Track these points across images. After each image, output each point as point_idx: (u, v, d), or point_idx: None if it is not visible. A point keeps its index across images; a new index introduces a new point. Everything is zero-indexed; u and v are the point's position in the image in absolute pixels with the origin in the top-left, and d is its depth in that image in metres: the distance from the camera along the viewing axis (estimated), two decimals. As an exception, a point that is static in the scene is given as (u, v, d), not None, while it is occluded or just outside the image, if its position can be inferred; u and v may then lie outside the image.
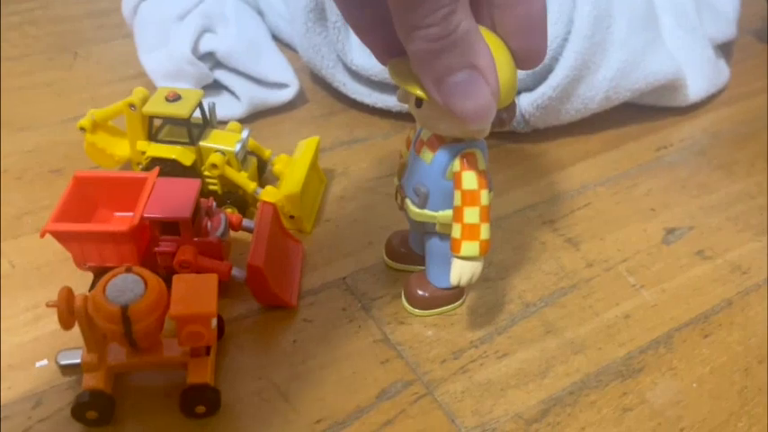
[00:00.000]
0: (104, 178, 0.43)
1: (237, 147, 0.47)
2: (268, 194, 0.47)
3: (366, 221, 0.50)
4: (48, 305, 0.33)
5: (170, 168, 0.46)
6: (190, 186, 0.41)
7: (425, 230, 0.40)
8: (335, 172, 0.55)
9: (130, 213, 0.41)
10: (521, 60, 0.33)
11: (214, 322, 0.34)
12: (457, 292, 0.43)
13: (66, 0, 0.79)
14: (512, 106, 0.36)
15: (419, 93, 0.33)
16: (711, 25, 0.68)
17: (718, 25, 0.69)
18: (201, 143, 0.48)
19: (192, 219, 0.40)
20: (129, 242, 0.39)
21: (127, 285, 0.33)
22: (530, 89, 0.57)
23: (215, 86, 0.61)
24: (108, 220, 0.43)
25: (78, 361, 0.35)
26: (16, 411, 0.36)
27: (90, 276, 0.42)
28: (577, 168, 0.58)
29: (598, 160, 0.59)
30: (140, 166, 0.48)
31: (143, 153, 0.48)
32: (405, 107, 0.61)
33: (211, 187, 0.48)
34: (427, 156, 0.37)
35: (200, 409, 0.36)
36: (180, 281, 0.35)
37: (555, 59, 0.56)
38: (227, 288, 0.43)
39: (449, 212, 0.38)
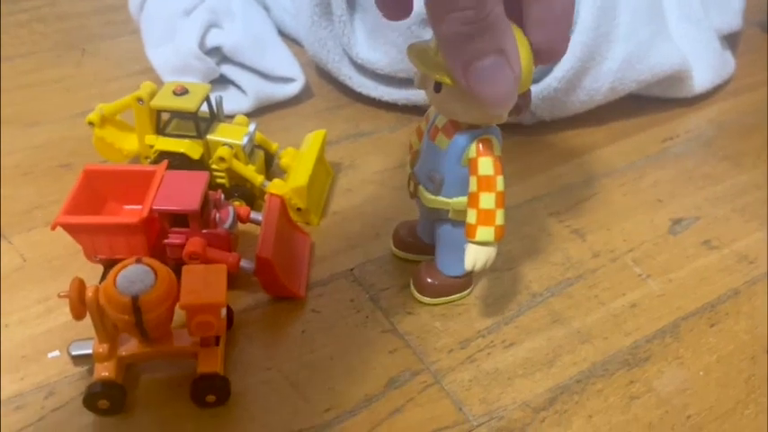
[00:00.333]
0: (113, 171, 0.43)
1: (245, 140, 0.48)
2: (275, 187, 0.47)
3: (373, 213, 0.51)
4: (60, 296, 0.33)
5: (178, 162, 0.47)
6: (198, 179, 0.41)
7: (438, 218, 0.41)
8: (342, 165, 0.56)
9: (139, 206, 0.41)
10: (543, 53, 0.33)
11: (223, 312, 0.35)
12: (465, 281, 0.43)
13: (72, -3, 0.80)
14: (528, 93, 0.36)
15: (439, 77, 0.33)
16: (717, 16, 0.68)
17: (723, 16, 0.69)
18: (209, 137, 0.48)
19: (201, 211, 0.40)
20: (138, 234, 0.39)
21: (137, 276, 0.34)
22: (536, 81, 0.57)
23: (222, 81, 0.62)
24: (117, 212, 0.44)
25: (90, 351, 0.36)
26: (30, 401, 0.37)
27: (100, 268, 0.42)
28: (584, 160, 0.58)
29: (604, 152, 0.59)
30: (149, 160, 0.49)
31: (151, 147, 0.48)
32: (411, 100, 0.61)
33: (219, 180, 0.49)
34: (443, 142, 0.38)
35: (211, 398, 0.36)
36: (189, 272, 0.35)
37: (560, 51, 0.56)
38: (235, 279, 0.43)
39: (463, 199, 0.38)
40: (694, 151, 0.59)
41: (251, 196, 0.49)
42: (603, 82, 0.58)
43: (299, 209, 0.48)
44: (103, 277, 0.42)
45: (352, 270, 0.46)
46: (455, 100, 0.35)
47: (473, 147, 0.37)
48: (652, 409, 0.38)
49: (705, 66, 0.65)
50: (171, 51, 0.59)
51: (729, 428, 0.37)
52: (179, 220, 0.40)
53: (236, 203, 0.48)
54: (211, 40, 0.60)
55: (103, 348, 0.35)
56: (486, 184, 0.36)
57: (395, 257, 0.47)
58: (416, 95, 0.61)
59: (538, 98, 0.57)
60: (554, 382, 0.39)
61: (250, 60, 0.61)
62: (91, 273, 0.42)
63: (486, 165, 0.36)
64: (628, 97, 0.61)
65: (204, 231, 0.41)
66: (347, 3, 0.60)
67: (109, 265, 0.41)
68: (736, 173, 0.56)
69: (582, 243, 0.49)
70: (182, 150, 0.47)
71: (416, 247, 0.45)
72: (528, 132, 0.60)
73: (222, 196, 0.43)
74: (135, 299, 0.33)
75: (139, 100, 0.47)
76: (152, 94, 0.48)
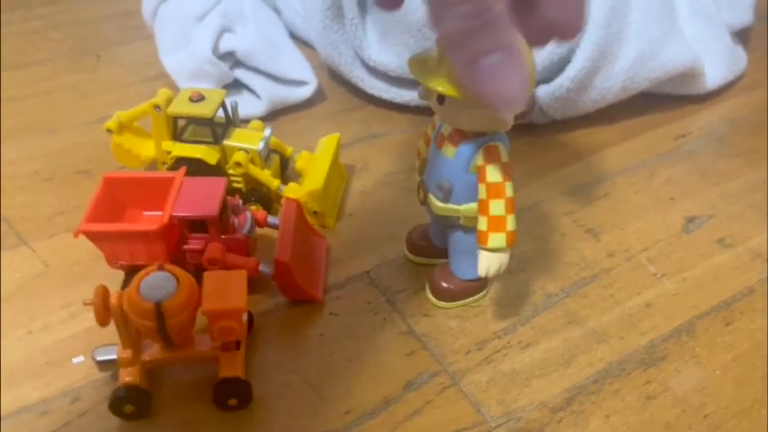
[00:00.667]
0: (133, 179, 0.44)
1: (261, 145, 0.48)
2: (291, 191, 0.48)
3: (387, 215, 0.51)
4: (85, 303, 0.34)
5: (195, 167, 0.47)
6: (216, 185, 0.42)
7: (449, 224, 0.41)
8: (356, 167, 0.56)
9: (159, 212, 0.42)
10: (560, 29, 0.31)
11: (245, 317, 0.35)
12: (480, 284, 0.43)
13: (86, 3, 0.80)
14: (531, 97, 0.36)
15: (441, 89, 0.33)
16: (728, 12, 0.68)
17: (734, 12, 0.68)
18: (225, 142, 0.49)
19: (220, 217, 0.41)
20: (159, 241, 0.40)
21: (159, 283, 0.34)
22: (547, 81, 0.57)
23: (235, 85, 0.62)
24: (137, 218, 0.45)
25: (114, 357, 0.37)
26: (55, 407, 0.37)
27: (121, 274, 0.43)
28: (596, 159, 0.58)
29: (616, 150, 0.59)
30: (166, 166, 0.50)
31: (168, 153, 0.49)
32: (423, 102, 0.61)
33: (236, 185, 0.49)
34: (449, 150, 0.38)
35: (233, 401, 0.37)
36: (210, 278, 0.36)
37: (572, 50, 0.56)
38: (254, 283, 0.44)
39: (473, 205, 0.38)
40: (707, 148, 0.59)
41: (267, 200, 0.49)
42: (615, 81, 0.58)
43: (315, 212, 0.48)
44: (125, 283, 0.42)
45: (368, 272, 0.46)
46: (459, 111, 0.35)
47: (480, 155, 0.37)
48: (669, 409, 0.38)
49: (717, 62, 0.65)
50: (185, 57, 0.60)
51: (747, 427, 0.37)
52: (198, 225, 0.41)
53: (253, 208, 0.48)
54: (225, 45, 0.61)
55: (127, 354, 0.36)
56: (494, 191, 0.37)
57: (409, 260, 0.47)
58: (428, 97, 0.61)
59: (550, 98, 0.57)
60: (571, 382, 0.39)
61: (263, 64, 0.61)
62: (113, 278, 0.42)
63: (493, 172, 0.37)
64: (639, 95, 0.61)
65: (223, 237, 0.42)
66: (359, 5, 0.60)
67: (130, 270, 0.42)
68: (749, 170, 0.56)
69: (596, 243, 0.49)
70: (198, 156, 0.48)
71: (430, 250, 0.46)
72: (539, 132, 0.60)
73: (240, 201, 0.44)
74: (158, 305, 0.34)
75: (156, 107, 0.48)
76: (168, 101, 0.48)
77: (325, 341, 0.41)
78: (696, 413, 0.38)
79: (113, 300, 0.34)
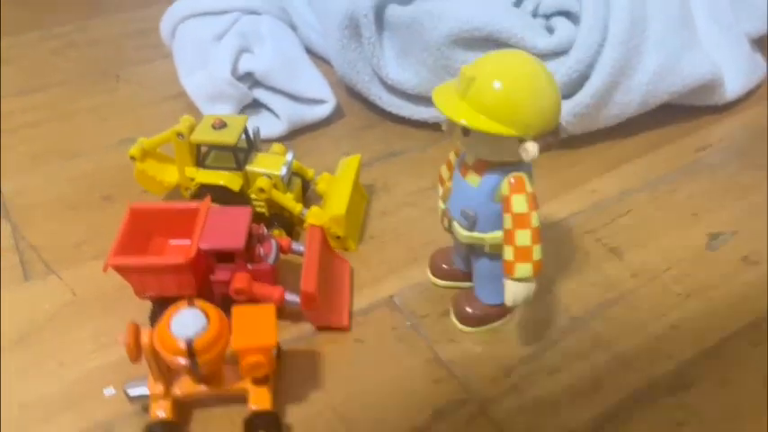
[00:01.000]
0: (159, 210, 0.44)
1: (283, 170, 0.49)
2: (314, 217, 0.48)
3: (409, 236, 0.51)
4: (118, 342, 0.35)
5: (218, 194, 0.48)
6: (242, 215, 0.42)
7: (474, 251, 0.41)
8: (375, 187, 0.56)
9: (184, 240, 0.43)
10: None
11: (275, 352, 0.36)
12: (505, 309, 0.43)
13: (103, 22, 0.81)
14: (557, 129, 0.36)
15: (466, 122, 0.33)
16: (746, 20, 0.67)
17: (753, 20, 0.68)
18: (248, 167, 0.49)
19: (246, 247, 0.41)
20: (187, 273, 0.40)
21: (190, 320, 0.35)
22: (568, 97, 0.57)
23: (254, 105, 0.63)
24: (163, 247, 0.45)
25: (146, 392, 0.37)
26: (90, 439, 0.38)
27: (149, 304, 0.43)
28: (615, 174, 0.58)
29: (636, 165, 0.59)
30: (189, 192, 0.50)
31: (192, 179, 0.49)
32: (440, 118, 0.61)
33: (258, 209, 0.49)
34: (474, 179, 0.38)
35: (263, 434, 0.37)
36: (240, 314, 0.36)
37: (591, 66, 0.56)
38: (280, 311, 0.44)
39: (498, 234, 0.38)
40: (729, 161, 0.59)
41: (290, 224, 0.50)
42: (635, 95, 0.58)
43: (338, 237, 0.49)
44: (152, 313, 0.43)
45: (391, 297, 0.46)
46: (484, 143, 0.36)
47: (505, 184, 0.37)
48: (698, 435, 0.38)
49: (736, 71, 0.65)
50: (204, 78, 0.60)
51: (777, 453, 0.37)
52: (225, 256, 0.41)
53: (276, 233, 0.49)
54: (243, 66, 0.61)
55: (159, 389, 0.37)
56: (520, 221, 0.37)
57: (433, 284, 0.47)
58: (447, 113, 0.61)
59: (570, 114, 0.57)
60: (598, 409, 0.39)
61: (281, 84, 0.61)
62: (140, 307, 0.43)
63: (519, 202, 0.37)
64: (657, 106, 0.61)
65: (249, 266, 0.42)
66: (376, 24, 0.60)
67: (158, 301, 0.43)
68: (771, 183, 0.56)
69: (619, 262, 0.49)
70: (222, 183, 0.48)
71: (454, 275, 0.46)
72: (558, 146, 0.60)
73: (264, 230, 0.44)
74: (189, 342, 0.34)
75: (179, 135, 0.48)
76: (191, 129, 0.49)
77: (352, 369, 0.42)
78: (726, 439, 0.38)
79: (145, 338, 0.35)
